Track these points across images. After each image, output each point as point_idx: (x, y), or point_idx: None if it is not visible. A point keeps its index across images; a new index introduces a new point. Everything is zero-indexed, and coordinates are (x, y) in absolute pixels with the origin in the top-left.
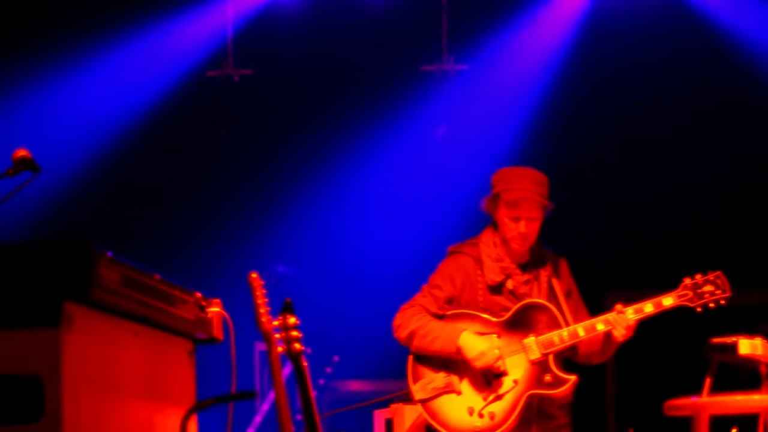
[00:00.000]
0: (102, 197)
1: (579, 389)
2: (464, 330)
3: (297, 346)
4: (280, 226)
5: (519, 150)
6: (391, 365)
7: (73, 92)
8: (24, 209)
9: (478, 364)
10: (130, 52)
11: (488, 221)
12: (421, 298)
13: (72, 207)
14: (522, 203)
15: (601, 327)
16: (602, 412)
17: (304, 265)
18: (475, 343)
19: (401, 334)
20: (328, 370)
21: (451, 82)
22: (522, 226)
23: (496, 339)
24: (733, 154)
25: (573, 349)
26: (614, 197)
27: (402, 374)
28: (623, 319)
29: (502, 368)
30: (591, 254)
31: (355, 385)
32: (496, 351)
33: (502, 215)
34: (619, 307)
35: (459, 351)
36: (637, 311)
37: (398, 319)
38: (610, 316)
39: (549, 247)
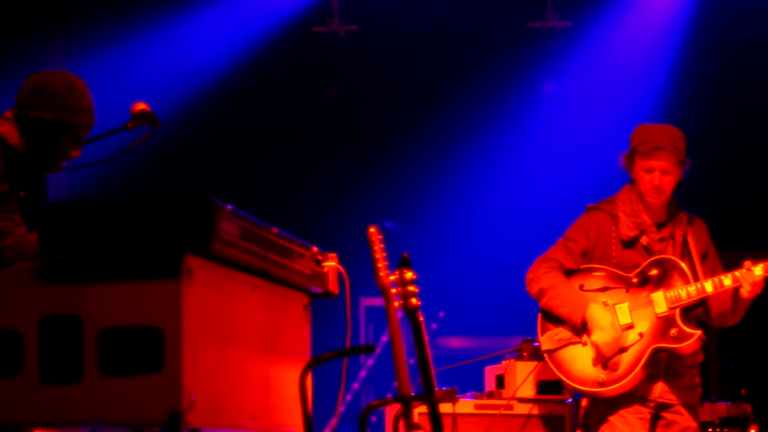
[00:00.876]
0: (213, 151)
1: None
2: (591, 302)
3: (414, 301)
4: (387, 181)
5: (630, 107)
6: (494, 322)
7: (178, 44)
8: (137, 162)
9: (598, 339)
10: (236, 6)
11: (626, 179)
12: (556, 251)
13: (183, 161)
14: (655, 153)
15: (728, 282)
16: (712, 371)
17: (410, 221)
18: (602, 319)
19: (532, 288)
20: (434, 326)
21: (557, 39)
22: (656, 178)
23: (623, 293)
24: None
25: (705, 308)
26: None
27: (504, 331)
28: (750, 275)
29: (630, 320)
30: (725, 214)
31: (456, 342)
32: (620, 328)
33: (638, 168)
34: (747, 263)
35: (584, 322)
36: (765, 268)
37: (531, 273)
38: (738, 272)
39: (687, 209)
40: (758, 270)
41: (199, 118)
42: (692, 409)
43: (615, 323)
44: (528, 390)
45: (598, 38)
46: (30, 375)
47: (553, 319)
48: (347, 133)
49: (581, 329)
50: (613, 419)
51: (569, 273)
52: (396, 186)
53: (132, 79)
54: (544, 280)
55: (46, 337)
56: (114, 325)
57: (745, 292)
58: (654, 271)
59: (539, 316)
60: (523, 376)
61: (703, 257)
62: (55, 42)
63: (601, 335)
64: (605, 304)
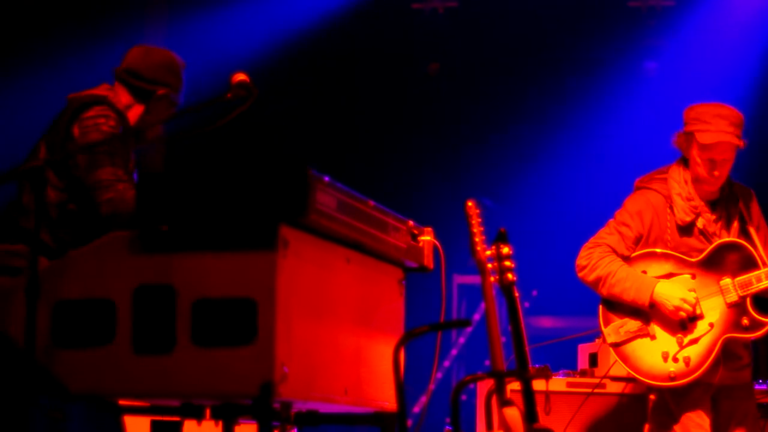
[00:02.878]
0: (313, 125)
1: None
2: (657, 282)
3: (510, 276)
4: (485, 158)
5: (722, 87)
6: (585, 302)
7: (273, 14)
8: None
9: (677, 316)
10: None
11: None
12: (608, 236)
13: (280, 133)
14: (718, 146)
15: None
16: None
17: (506, 199)
18: (671, 292)
19: (587, 276)
20: (526, 304)
21: (659, 18)
22: (716, 167)
23: (690, 280)
24: None
25: None
26: None
27: (596, 312)
28: None
29: (698, 310)
30: None
31: (548, 321)
32: (693, 296)
33: (695, 155)
34: None
35: (654, 304)
36: None
37: (583, 259)
38: None
39: (735, 180)
40: None
41: (300, 92)
42: (748, 389)
43: (687, 295)
44: (621, 369)
45: (700, 18)
46: (122, 344)
47: (617, 309)
48: (448, 110)
49: (651, 314)
50: (685, 419)
51: (625, 260)
52: (494, 164)
53: (230, 47)
54: (600, 266)
55: (140, 306)
56: (208, 296)
57: None
58: (721, 256)
59: (600, 306)
60: (615, 357)
61: (758, 229)
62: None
63: (678, 311)
64: (673, 274)
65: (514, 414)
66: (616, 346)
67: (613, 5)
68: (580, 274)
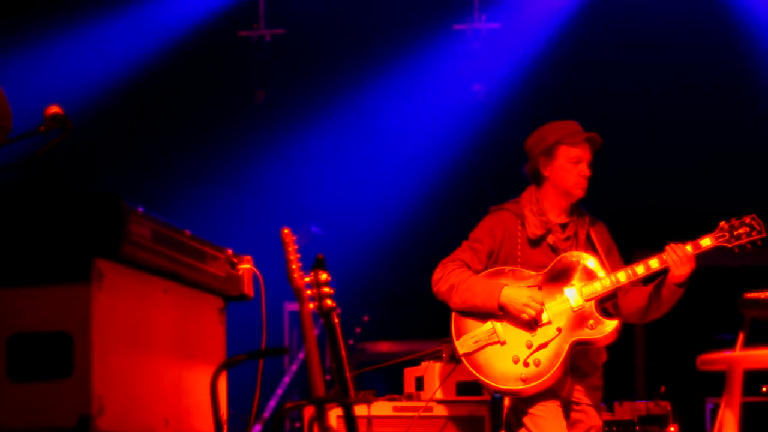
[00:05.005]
0: (130, 155)
1: (609, 349)
2: (505, 285)
3: (328, 302)
4: (313, 186)
5: (549, 108)
6: (420, 326)
7: (97, 46)
8: (50, 166)
9: (525, 316)
10: (160, 9)
11: (526, 182)
12: (462, 253)
13: (100, 165)
14: (584, 144)
15: (655, 265)
16: (632, 370)
17: (336, 226)
18: (518, 295)
19: (441, 287)
20: (358, 330)
21: (484, 41)
22: (583, 168)
23: (538, 291)
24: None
25: (615, 304)
26: (637, 156)
27: (430, 335)
28: (681, 249)
29: (545, 317)
30: (617, 213)
31: (384, 346)
32: (539, 297)
33: (563, 162)
34: (671, 245)
35: (502, 306)
36: (695, 246)
37: (438, 273)
38: (664, 255)
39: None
40: (689, 248)
41: (121, 123)
42: (597, 409)
43: (534, 296)
44: (448, 391)
45: (523, 40)
46: None
47: (467, 320)
48: (275, 137)
49: (500, 319)
50: (533, 410)
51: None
52: (323, 191)
53: (48, 82)
54: (453, 276)
55: None
56: (23, 331)
57: (677, 270)
58: (565, 267)
59: (452, 319)
60: (441, 378)
61: (608, 252)
62: None
63: (525, 311)
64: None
65: None
66: (467, 355)
67: (438, 27)
68: (434, 288)
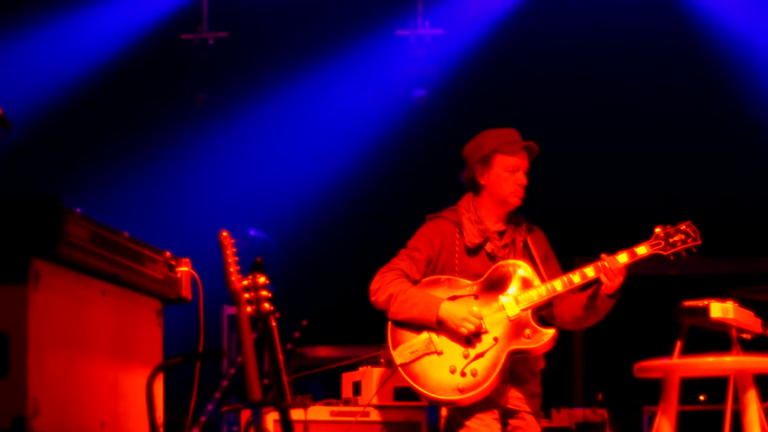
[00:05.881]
0: (71, 156)
1: (547, 356)
2: (443, 300)
3: (266, 305)
4: (253, 190)
5: (489, 115)
6: (358, 332)
7: (42, 49)
8: None
9: (464, 330)
10: (102, 12)
11: (463, 189)
12: (400, 262)
13: (39, 165)
14: (521, 152)
15: (591, 273)
16: (570, 377)
17: (275, 230)
18: (456, 310)
19: (379, 297)
20: (296, 334)
21: (427, 47)
22: (520, 177)
23: (474, 301)
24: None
25: (550, 313)
26: (575, 165)
27: (369, 340)
28: (613, 261)
29: (483, 328)
30: (555, 222)
31: (323, 351)
32: (476, 310)
33: (500, 171)
34: (603, 256)
35: (439, 321)
36: (630, 255)
37: (376, 283)
38: (599, 263)
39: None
40: (622, 258)
41: (61, 124)
42: (536, 417)
43: (472, 310)
44: (385, 397)
45: (466, 46)
46: None
47: (404, 330)
48: (215, 139)
49: (437, 331)
50: (470, 423)
51: (416, 284)
52: (263, 195)
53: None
54: (392, 286)
55: None
56: None
57: (608, 281)
58: (501, 276)
59: (389, 328)
60: (379, 383)
61: (545, 259)
62: None
63: (464, 325)
64: (456, 297)
65: None
66: (404, 366)
67: (381, 33)
68: (372, 298)
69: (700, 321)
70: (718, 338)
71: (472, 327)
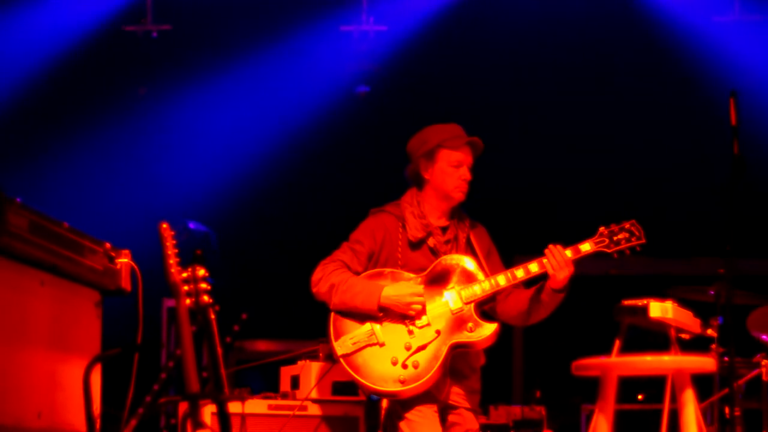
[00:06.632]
0: (12, 146)
1: (486, 352)
2: (383, 287)
3: (205, 298)
4: (194, 182)
5: (433, 110)
6: (298, 326)
7: None
8: None
9: (412, 312)
10: (45, 3)
11: (407, 184)
12: (341, 254)
13: None
14: (465, 147)
15: (534, 269)
16: (509, 374)
17: (216, 223)
18: (399, 293)
19: (321, 288)
20: (236, 328)
21: (371, 43)
22: (464, 172)
23: (414, 279)
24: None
25: (493, 308)
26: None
27: (309, 335)
28: (560, 254)
29: (425, 320)
30: (498, 219)
31: (262, 345)
32: (420, 290)
33: (444, 166)
34: (550, 246)
35: (382, 307)
36: (574, 251)
37: (318, 274)
38: (544, 259)
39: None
40: (568, 252)
41: (1, 115)
42: (475, 413)
43: (414, 291)
44: (323, 391)
45: (410, 43)
46: None
47: (346, 321)
48: (156, 131)
49: (379, 320)
50: (410, 415)
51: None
52: (203, 187)
53: None
54: (333, 276)
55: None
56: None
57: (553, 270)
58: (445, 270)
59: (330, 320)
60: (317, 377)
61: (488, 255)
62: None
63: (409, 307)
64: None
65: None
66: (346, 357)
67: (325, 28)
68: (314, 289)
69: (639, 320)
70: (657, 338)
71: (418, 306)
